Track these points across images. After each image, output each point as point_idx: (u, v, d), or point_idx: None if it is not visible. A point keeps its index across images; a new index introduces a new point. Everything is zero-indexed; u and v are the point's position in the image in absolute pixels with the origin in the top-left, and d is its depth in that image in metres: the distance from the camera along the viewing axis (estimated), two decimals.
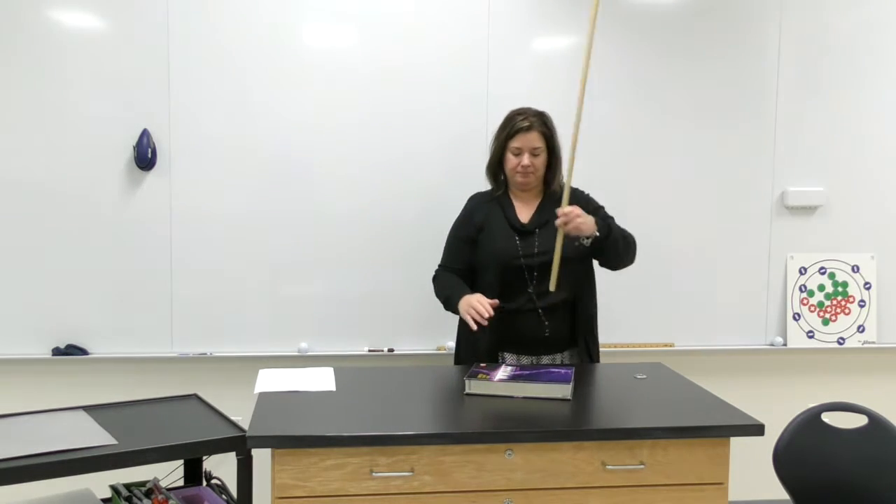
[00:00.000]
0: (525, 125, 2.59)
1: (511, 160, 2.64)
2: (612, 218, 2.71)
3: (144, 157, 3.00)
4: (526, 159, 2.59)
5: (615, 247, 2.58)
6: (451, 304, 2.63)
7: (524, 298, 2.61)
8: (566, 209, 2.47)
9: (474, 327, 2.47)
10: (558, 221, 2.47)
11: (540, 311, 2.60)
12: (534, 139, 2.60)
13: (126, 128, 3.02)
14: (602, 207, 2.72)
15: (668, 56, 3.25)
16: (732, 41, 3.28)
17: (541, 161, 2.63)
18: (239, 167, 3.09)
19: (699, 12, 3.25)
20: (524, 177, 2.62)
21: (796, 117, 3.33)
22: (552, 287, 2.53)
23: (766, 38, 3.29)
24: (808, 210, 3.37)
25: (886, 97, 3.36)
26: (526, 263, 2.61)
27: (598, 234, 2.50)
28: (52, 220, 3.02)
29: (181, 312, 3.10)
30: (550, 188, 2.70)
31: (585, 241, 2.51)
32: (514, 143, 2.61)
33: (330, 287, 3.16)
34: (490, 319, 2.47)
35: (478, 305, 2.48)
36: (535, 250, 2.61)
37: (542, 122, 2.63)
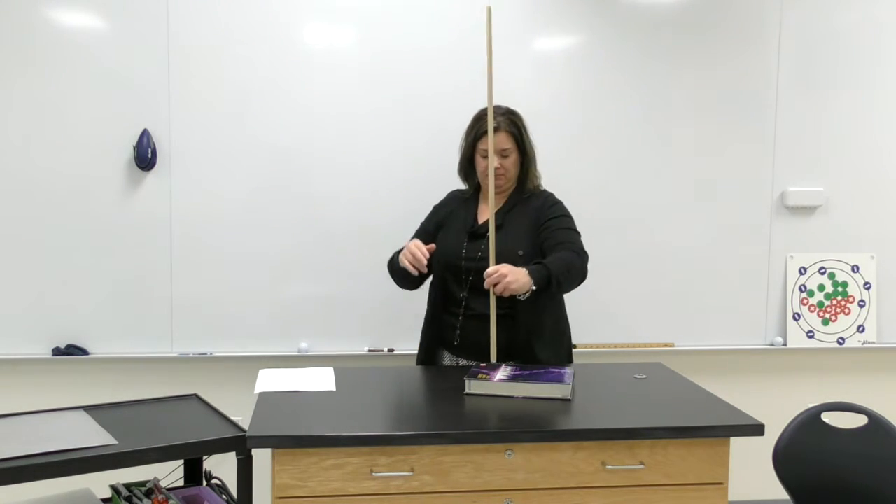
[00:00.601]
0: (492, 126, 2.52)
1: (480, 163, 2.58)
2: (572, 232, 2.54)
3: (144, 157, 3.00)
4: (496, 161, 2.52)
5: (558, 290, 2.43)
6: (394, 264, 2.58)
7: (461, 302, 2.55)
8: (490, 270, 2.33)
9: (414, 272, 2.45)
10: (486, 284, 2.33)
11: (478, 317, 2.50)
12: (502, 140, 2.53)
13: (126, 128, 3.02)
14: (562, 216, 2.56)
15: (668, 56, 3.25)
16: (732, 41, 3.28)
17: (511, 162, 2.56)
18: (239, 167, 3.09)
19: (699, 12, 3.25)
20: (495, 179, 2.52)
21: (796, 117, 3.33)
22: (493, 358, 2.44)
23: (766, 38, 3.29)
24: (808, 210, 3.37)
25: (886, 97, 3.36)
26: (465, 266, 2.54)
27: (533, 287, 2.32)
28: (53, 219, 3.02)
29: (181, 312, 3.10)
30: (524, 189, 2.62)
31: (521, 297, 2.35)
32: (482, 146, 2.54)
33: (330, 287, 3.17)
34: (429, 267, 2.47)
35: (413, 248, 2.44)
36: (479, 254, 2.52)
37: (510, 122, 2.55)
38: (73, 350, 3.05)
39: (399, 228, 3.16)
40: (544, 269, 2.36)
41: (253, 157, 3.09)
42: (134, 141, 3.02)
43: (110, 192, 3.04)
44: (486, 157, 2.53)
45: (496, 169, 2.51)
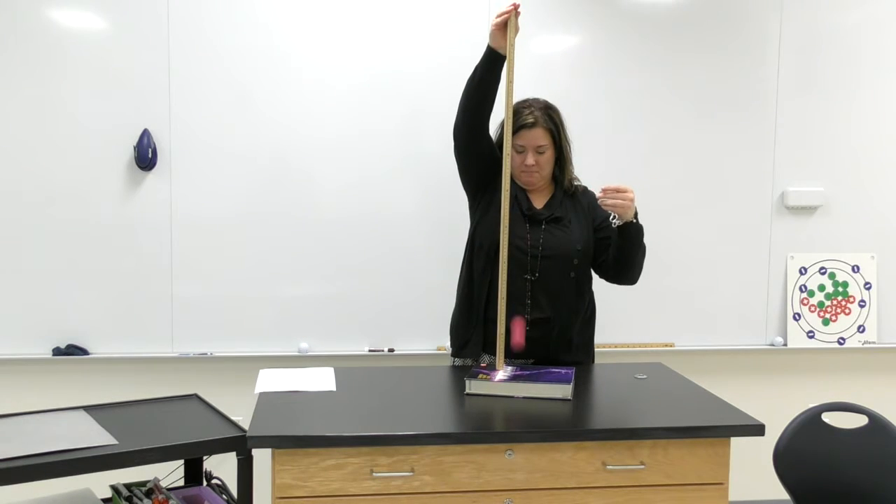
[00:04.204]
0: (529, 121, 2.47)
1: (515, 158, 2.51)
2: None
3: (145, 157, 3.00)
4: (530, 158, 2.48)
5: (639, 245, 2.48)
6: (483, 63, 2.46)
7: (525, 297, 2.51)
8: (625, 187, 2.36)
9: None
10: (607, 198, 2.35)
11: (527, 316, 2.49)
12: (538, 136, 2.48)
13: (126, 128, 3.02)
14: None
15: (668, 56, 3.25)
16: (732, 41, 3.28)
17: (546, 159, 2.52)
18: (239, 167, 3.09)
19: (699, 12, 3.25)
20: (528, 176, 2.52)
21: (796, 117, 3.33)
22: (499, 363, 2.38)
23: (766, 38, 3.29)
24: (808, 210, 3.37)
25: (886, 97, 3.37)
26: (531, 254, 2.49)
27: (634, 220, 2.41)
28: (53, 219, 3.02)
29: (181, 312, 3.10)
30: (561, 186, 2.58)
31: (616, 220, 2.41)
32: (518, 141, 2.48)
33: (330, 287, 3.16)
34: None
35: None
36: (541, 243, 2.49)
37: (547, 118, 2.51)
38: (73, 350, 3.05)
39: (400, 228, 3.17)
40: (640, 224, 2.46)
41: (253, 157, 3.09)
42: (134, 141, 3.02)
43: (110, 192, 3.04)
44: (520, 152, 2.50)
45: (530, 166, 2.50)
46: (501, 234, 2.39)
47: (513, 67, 2.37)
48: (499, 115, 2.52)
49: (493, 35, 2.42)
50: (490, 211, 2.54)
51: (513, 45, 2.37)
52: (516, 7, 2.38)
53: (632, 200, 2.38)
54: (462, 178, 2.62)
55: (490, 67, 2.46)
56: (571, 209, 2.57)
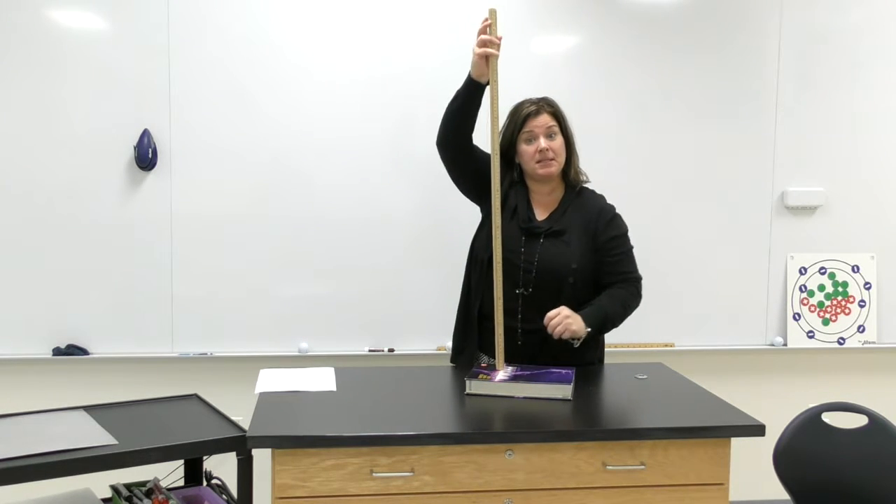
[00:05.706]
0: (533, 110, 2.44)
1: (527, 151, 2.44)
2: (631, 257, 2.52)
3: (145, 157, 3.00)
4: (543, 142, 2.41)
5: (611, 328, 2.45)
6: (463, 87, 2.44)
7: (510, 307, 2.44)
8: (553, 313, 2.28)
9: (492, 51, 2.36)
10: (549, 326, 2.28)
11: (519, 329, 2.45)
12: (546, 119, 2.43)
13: (126, 128, 3.02)
14: (622, 237, 2.50)
15: (668, 55, 3.25)
16: (732, 41, 3.28)
17: (559, 145, 2.45)
18: (239, 167, 3.09)
19: (699, 12, 3.25)
20: (546, 166, 2.43)
21: (796, 117, 3.33)
22: (499, 364, 2.36)
23: (766, 38, 3.29)
24: (808, 210, 3.37)
25: (886, 97, 3.36)
26: (524, 268, 2.44)
27: (588, 330, 2.32)
28: (53, 219, 3.02)
29: (181, 312, 3.10)
30: (569, 182, 2.52)
31: (575, 342, 2.33)
32: (526, 129, 2.43)
33: (330, 287, 3.16)
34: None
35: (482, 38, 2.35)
36: (536, 258, 2.44)
37: (548, 104, 2.48)
38: (73, 350, 3.05)
39: (399, 228, 3.17)
40: (601, 311, 2.38)
41: (253, 157, 3.09)
42: (134, 141, 3.02)
43: (110, 192, 3.04)
44: (530, 141, 2.44)
45: (545, 150, 2.42)
46: (494, 240, 2.38)
47: (497, 83, 2.35)
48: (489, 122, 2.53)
49: (475, 64, 2.41)
50: (487, 222, 2.50)
51: (496, 71, 2.37)
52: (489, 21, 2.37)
53: (567, 316, 2.28)
54: (459, 189, 2.62)
55: (471, 97, 2.45)
56: (577, 218, 2.48)
